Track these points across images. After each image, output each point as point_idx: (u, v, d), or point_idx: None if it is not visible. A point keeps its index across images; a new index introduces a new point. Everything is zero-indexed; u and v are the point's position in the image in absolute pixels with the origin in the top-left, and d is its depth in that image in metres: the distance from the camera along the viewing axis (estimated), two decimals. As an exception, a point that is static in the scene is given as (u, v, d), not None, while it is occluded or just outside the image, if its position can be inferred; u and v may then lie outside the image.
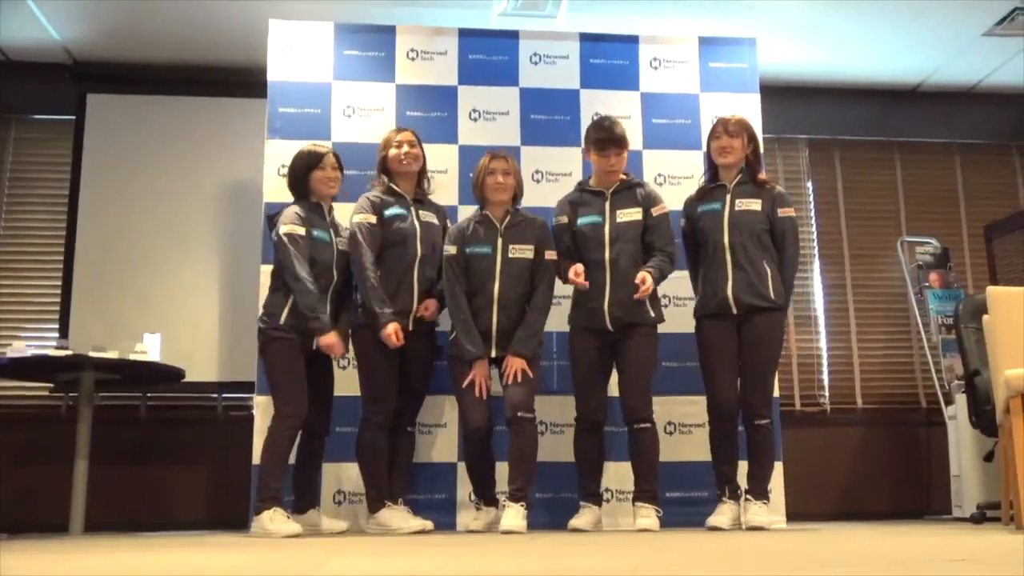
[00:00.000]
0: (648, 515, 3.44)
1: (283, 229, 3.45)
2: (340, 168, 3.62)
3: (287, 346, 3.44)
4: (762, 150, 3.77)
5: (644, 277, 3.42)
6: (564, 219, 3.68)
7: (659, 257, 3.58)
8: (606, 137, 3.58)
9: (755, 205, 3.58)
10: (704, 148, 3.86)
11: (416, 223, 3.60)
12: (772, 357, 3.55)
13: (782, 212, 3.60)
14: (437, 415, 3.87)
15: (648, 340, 3.57)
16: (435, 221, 3.70)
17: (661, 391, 3.68)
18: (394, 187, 3.64)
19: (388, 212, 3.58)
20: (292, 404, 3.39)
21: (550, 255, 3.61)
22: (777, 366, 3.63)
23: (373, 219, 3.55)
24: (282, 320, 3.43)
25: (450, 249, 3.58)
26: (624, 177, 3.67)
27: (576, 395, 3.62)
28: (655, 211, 3.62)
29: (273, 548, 2.59)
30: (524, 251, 3.58)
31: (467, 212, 4.02)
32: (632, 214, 3.60)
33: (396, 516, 3.45)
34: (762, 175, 3.69)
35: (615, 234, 3.57)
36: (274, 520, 3.27)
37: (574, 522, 3.50)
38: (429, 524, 3.51)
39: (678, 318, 3.84)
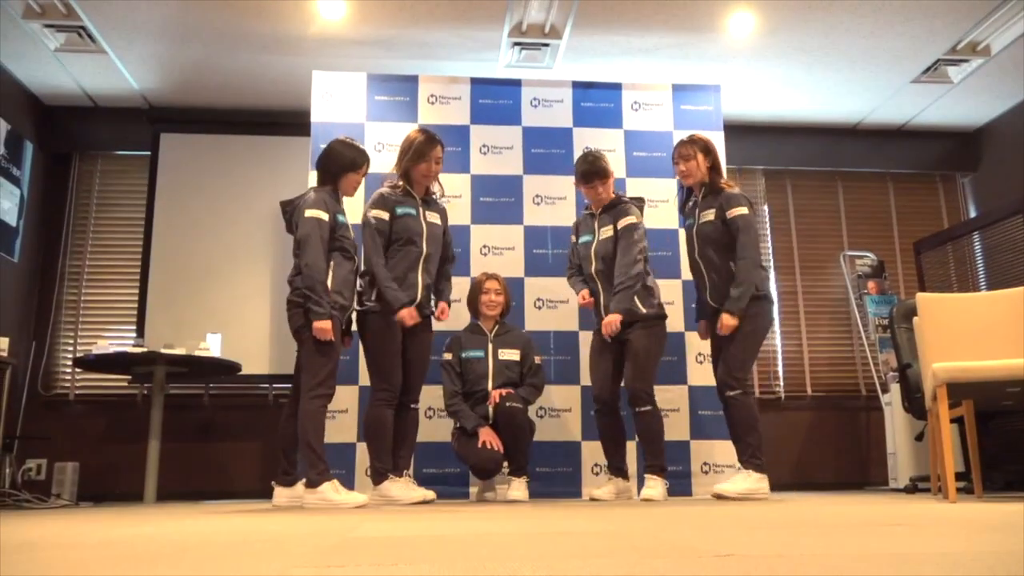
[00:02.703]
0: (654, 485, 3.31)
1: (310, 212, 3.10)
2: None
3: (335, 327, 3.09)
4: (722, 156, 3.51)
5: (610, 320, 3.34)
6: (573, 238, 3.65)
7: (619, 278, 3.37)
8: (590, 170, 3.48)
9: (710, 215, 3.37)
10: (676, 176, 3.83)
11: (423, 223, 3.36)
12: (737, 340, 3.27)
13: (731, 213, 3.33)
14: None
15: (644, 333, 3.37)
16: (439, 222, 3.44)
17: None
18: (409, 189, 3.39)
19: (399, 210, 3.33)
20: (328, 383, 3.08)
21: (538, 359, 3.65)
22: (746, 346, 3.29)
23: (386, 216, 3.31)
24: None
25: (447, 356, 3.58)
26: (614, 196, 3.53)
27: (592, 383, 3.53)
28: (620, 224, 3.44)
29: (309, 514, 2.56)
30: (511, 354, 3.59)
31: (478, 231, 4.02)
32: (607, 231, 3.48)
33: (397, 487, 3.22)
34: (723, 182, 3.42)
35: (600, 250, 3.47)
36: (339, 491, 2.98)
37: (595, 492, 3.40)
38: (431, 494, 3.30)
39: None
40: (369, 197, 3.45)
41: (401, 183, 3.39)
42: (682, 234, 3.95)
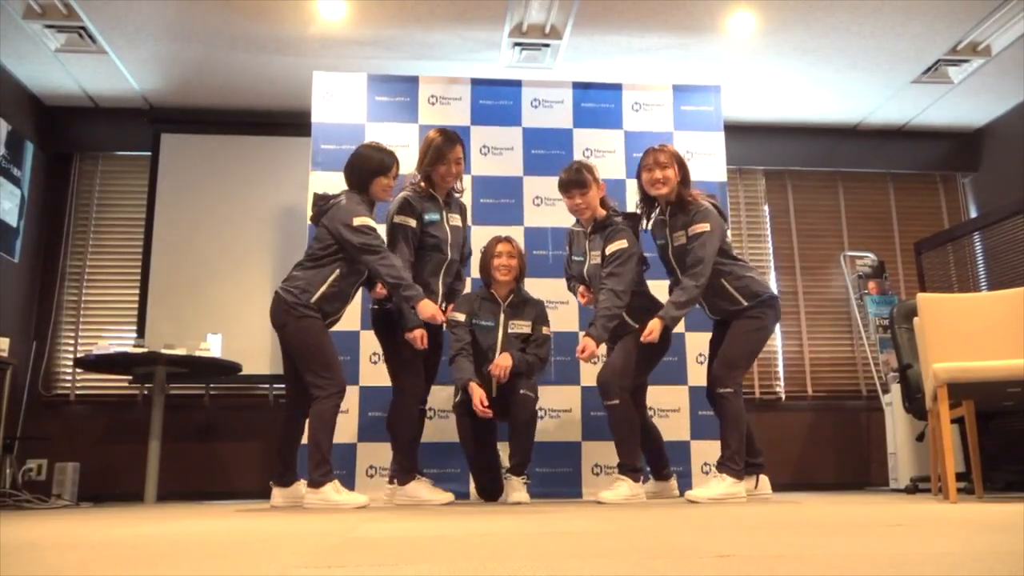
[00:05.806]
0: (618, 487, 3.15)
1: (359, 220, 3.01)
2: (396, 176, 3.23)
3: (321, 324, 3.02)
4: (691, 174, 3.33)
5: (584, 346, 3.16)
6: (567, 251, 3.53)
7: (603, 300, 3.20)
8: (567, 179, 3.33)
9: (682, 237, 3.21)
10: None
11: (447, 228, 3.29)
12: (740, 337, 3.21)
13: (693, 229, 3.18)
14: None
15: (626, 341, 3.27)
16: (460, 224, 3.37)
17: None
18: (432, 191, 3.30)
19: (427, 217, 3.25)
20: (339, 380, 2.99)
21: (547, 330, 3.44)
22: (748, 345, 3.23)
23: (413, 223, 3.22)
24: (313, 299, 2.99)
25: (459, 316, 3.35)
26: (604, 214, 3.35)
27: None
28: (609, 250, 3.27)
29: (309, 514, 2.56)
30: (523, 327, 3.40)
31: (478, 233, 4.01)
32: (596, 257, 3.31)
33: (426, 489, 3.20)
34: (689, 196, 3.24)
35: (591, 272, 3.36)
36: (340, 491, 2.93)
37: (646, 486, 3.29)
38: (451, 496, 3.30)
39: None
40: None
41: (423, 185, 3.29)
42: None
